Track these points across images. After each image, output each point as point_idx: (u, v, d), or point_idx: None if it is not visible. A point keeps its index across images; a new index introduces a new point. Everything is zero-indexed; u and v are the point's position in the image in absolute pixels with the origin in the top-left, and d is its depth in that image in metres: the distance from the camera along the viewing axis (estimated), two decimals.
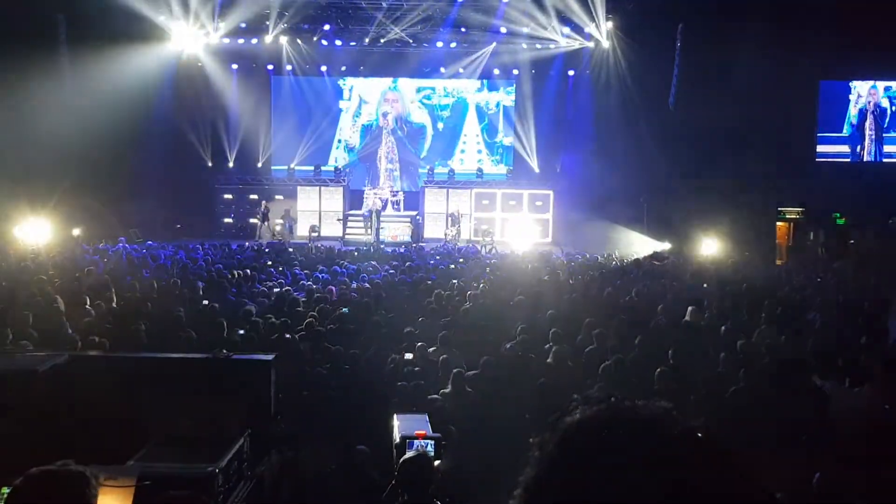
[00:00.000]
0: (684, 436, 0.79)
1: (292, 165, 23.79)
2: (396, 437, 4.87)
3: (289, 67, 23.95)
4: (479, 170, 24.15)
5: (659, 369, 7.15)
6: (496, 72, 24.10)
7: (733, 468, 0.78)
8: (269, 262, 14.59)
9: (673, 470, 0.75)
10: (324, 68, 24.19)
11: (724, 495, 0.75)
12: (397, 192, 23.88)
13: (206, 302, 10.13)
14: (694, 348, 8.46)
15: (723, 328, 9.03)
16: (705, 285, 12.43)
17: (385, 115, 24.78)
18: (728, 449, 0.81)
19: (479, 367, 7.41)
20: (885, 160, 22.02)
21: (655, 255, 16.40)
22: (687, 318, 9.86)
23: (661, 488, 0.74)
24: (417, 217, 22.62)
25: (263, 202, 22.25)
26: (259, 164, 24.38)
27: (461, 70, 23.95)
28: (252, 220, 22.42)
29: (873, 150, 22.10)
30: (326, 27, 22.92)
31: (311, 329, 8.62)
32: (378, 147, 24.66)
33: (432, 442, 4.74)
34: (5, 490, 2.25)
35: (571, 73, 23.57)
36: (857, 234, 19.57)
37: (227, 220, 22.57)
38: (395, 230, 21.95)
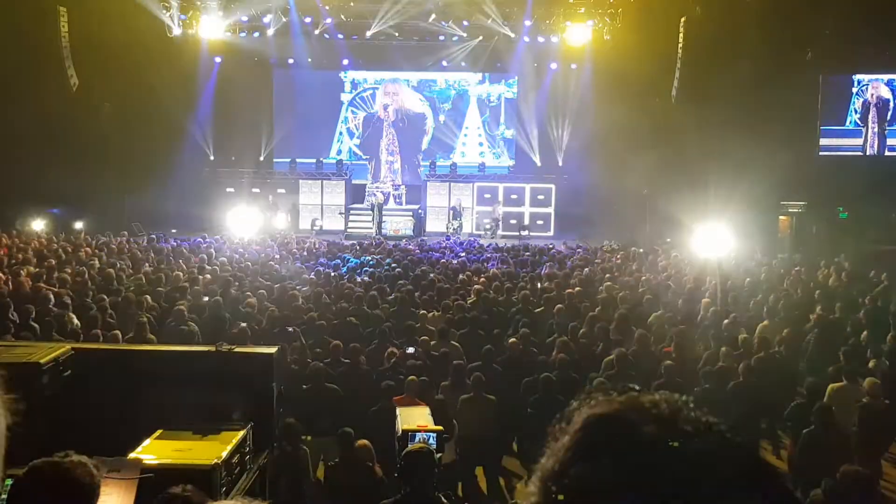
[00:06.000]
0: (706, 430, 0.79)
1: (294, 159, 23.77)
2: (399, 429, 4.89)
3: (291, 61, 23.90)
4: (482, 164, 24.11)
5: (666, 362, 7.17)
6: (498, 64, 24.03)
7: (756, 464, 0.79)
8: (276, 256, 14.61)
9: (695, 464, 0.75)
10: (326, 62, 24.14)
11: (747, 491, 0.75)
12: (399, 185, 23.86)
13: (207, 298, 10.13)
14: (696, 342, 8.47)
15: (724, 322, 9.04)
16: (709, 279, 12.41)
17: (386, 107, 24.74)
18: (751, 444, 0.81)
19: (482, 358, 7.43)
20: (888, 153, 21.95)
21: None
22: (701, 311, 9.86)
23: (682, 482, 0.74)
24: (419, 211, 22.61)
25: (270, 196, 22.25)
26: (261, 158, 24.37)
27: (463, 63, 23.88)
28: (256, 214, 22.40)
29: (876, 144, 22.03)
30: (328, 21, 22.86)
31: (312, 322, 8.64)
32: (379, 140, 24.63)
33: (434, 434, 4.75)
34: (8, 482, 2.26)
35: (574, 66, 23.49)
36: (860, 227, 19.52)
37: (229, 213, 22.53)
38: (397, 224, 21.95)
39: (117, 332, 7.86)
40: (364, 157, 24.73)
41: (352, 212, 22.54)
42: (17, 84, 17.39)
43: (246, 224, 21.65)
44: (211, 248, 15.30)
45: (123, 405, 4.41)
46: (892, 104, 21.88)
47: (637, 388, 0.85)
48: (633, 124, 20.02)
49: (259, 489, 4.51)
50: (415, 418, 5.01)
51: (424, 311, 9.55)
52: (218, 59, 23.38)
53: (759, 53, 18.38)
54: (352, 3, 22.12)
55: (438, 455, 4.45)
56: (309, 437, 6.21)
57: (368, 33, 22.87)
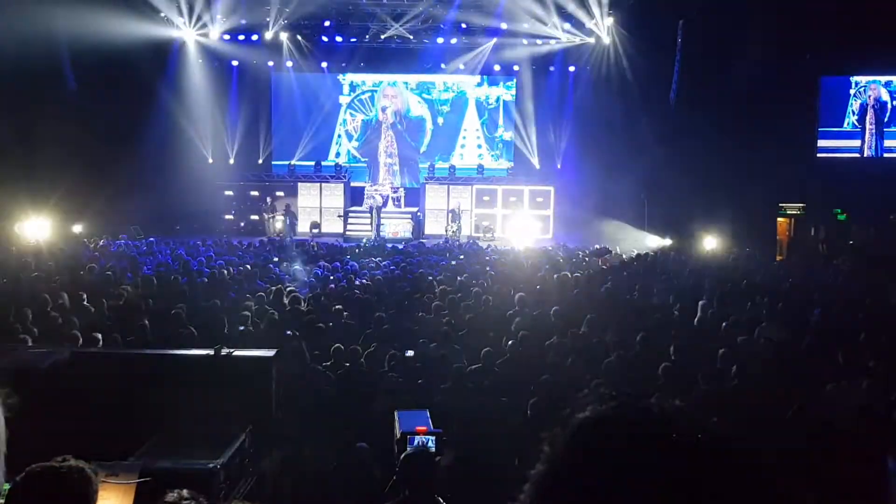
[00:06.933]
0: (698, 434, 0.79)
1: (293, 162, 23.79)
2: (397, 433, 4.88)
3: (289, 64, 23.92)
4: (480, 166, 24.13)
5: (663, 365, 7.15)
6: (496, 67, 24.06)
7: (749, 469, 0.78)
8: (276, 259, 14.61)
9: (686, 469, 0.75)
10: (324, 65, 24.15)
11: (739, 496, 0.75)
12: (398, 188, 23.88)
13: (205, 302, 10.12)
14: (695, 344, 8.46)
15: (724, 324, 9.03)
16: (707, 281, 12.42)
17: (384, 109, 24.76)
18: (744, 449, 0.81)
19: (481, 360, 7.42)
20: (885, 155, 21.98)
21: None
22: (699, 313, 9.85)
23: (673, 487, 0.74)
24: (418, 213, 22.62)
25: (269, 198, 22.28)
26: (260, 161, 24.38)
27: (461, 66, 23.90)
28: (254, 217, 22.44)
29: (874, 145, 22.06)
30: (327, 24, 22.89)
31: (311, 325, 8.63)
32: (378, 142, 24.64)
33: (433, 438, 4.74)
34: (6, 486, 2.25)
35: (572, 69, 23.53)
36: (858, 229, 19.56)
37: (227, 216, 22.56)
38: (396, 227, 21.95)
39: (116, 335, 7.85)
40: (362, 159, 24.74)
41: (351, 215, 22.55)
42: (17, 87, 17.38)
43: (244, 226, 21.69)
44: (210, 251, 15.29)
45: (122, 409, 4.40)
46: (889, 106, 21.91)
47: (633, 392, 0.85)
48: (632, 126, 20.06)
49: (258, 492, 4.50)
50: (414, 421, 5.01)
51: (423, 314, 9.54)
52: (217, 63, 23.40)
53: (757, 55, 18.41)
54: (350, 7, 22.14)
55: (438, 458, 4.45)
56: (308, 440, 6.20)
57: (367, 36, 22.89)
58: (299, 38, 23.35)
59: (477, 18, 22.19)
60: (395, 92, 24.90)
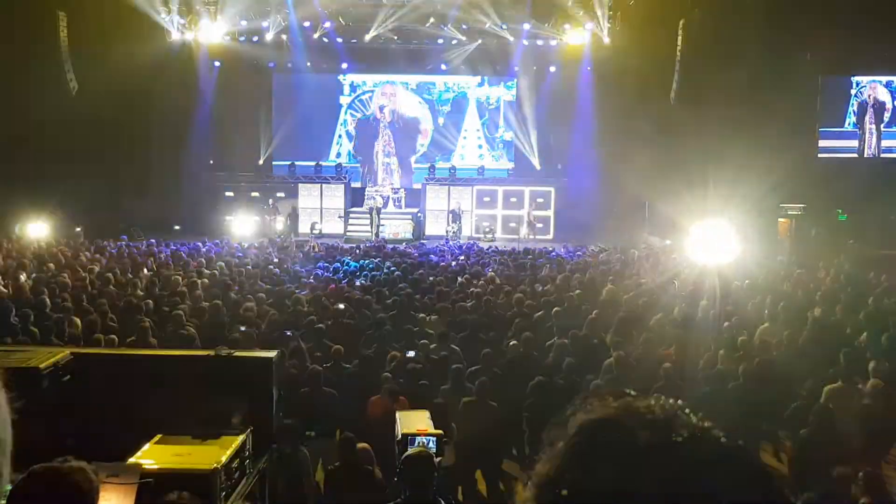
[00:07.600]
0: (701, 435, 0.79)
1: (293, 162, 23.79)
2: (398, 433, 4.88)
3: (290, 65, 23.92)
4: (481, 167, 24.12)
5: (665, 364, 7.16)
6: (497, 67, 24.06)
7: (752, 468, 0.78)
8: (276, 259, 14.61)
9: (687, 469, 0.75)
10: (325, 65, 24.16)
11: (740, 496, 0.75)
12: (398, 189, 23.88)
13: (206, 303, 10.12)
14: (695, 344, 8.46)
15: (725, 324, 9.03)
16: (709, 281, 12.39)
17: (382, 108, 24.75)
18: (743, 448, 0.81)
19: (481, 361, 7.42)
20: (884, 155, 21.95)
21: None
22: (699, 313, 9.84)
23: (675, 487, 0.74)
24: (419, 214, 22.61)
25: (270, 199, 22.27)
26: (260, 162, 24.38)
27: (462, 66, 23.90)
28: (255, 218, 22.42)
29: (873, 145, 22.03)
30: (327, 24, 22.89)
31: (312, 326, 8.63)
32: (374, 141, 24.63)
33: (434, 438, 4.74)
34: (7, 487, 2.25)
35: (573, 69, 23.51)
36: (858, 230, 19.51)
37: (228, 217, 22.54)
38: (397, 227, 21.95)
39: (113, 336, 7.85)
40: (358, 157, 24.74)
41: (351, 215, 22.55)
42: (17, 88, 17.41)
43: (245, 227, 21.68)
44: (210, 252, 15.29)
45: (123, 410, 4.40)
46: (888, 105, 21.88)
47: (633, 392, 0.85)
48: (633, 126, 20.04)
49: (259, 493, 4.50)
50: (415, 422, 5.00)
51: (424, 315, 9.54)
52: (217, 64, 23.41)
53: (757, 55, 18.40)
54: (351, 8, 22.14)
55: (438, 459, 4.44)
56: (310, 436, 6.20)
57: (367, 37, 22.89)
58: (300, 38, 23.35)
59: (478, 19, 22.18)
60: (393, 90, 24.89)
